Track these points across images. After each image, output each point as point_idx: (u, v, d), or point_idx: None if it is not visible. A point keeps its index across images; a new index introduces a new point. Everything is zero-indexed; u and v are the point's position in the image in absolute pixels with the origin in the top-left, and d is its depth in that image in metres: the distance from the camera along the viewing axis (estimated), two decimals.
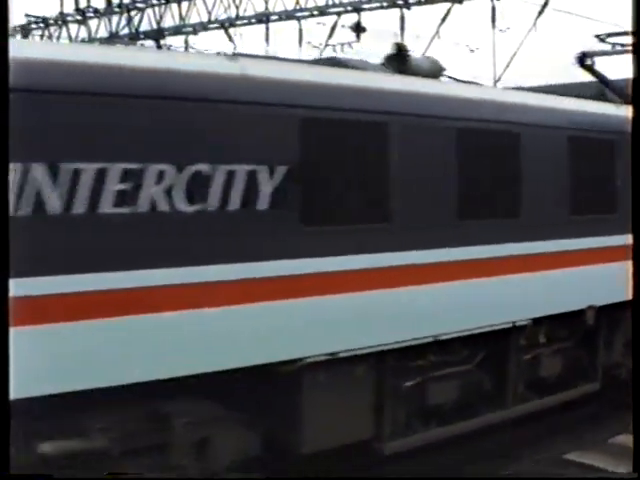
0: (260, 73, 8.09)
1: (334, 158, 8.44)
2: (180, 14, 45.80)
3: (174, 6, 45.85)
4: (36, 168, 6.65)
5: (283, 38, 56.25)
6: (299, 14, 43.27)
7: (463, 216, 9.51)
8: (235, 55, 8.44)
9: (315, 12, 42.33)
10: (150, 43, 46.11)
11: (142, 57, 7.75)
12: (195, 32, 46.08)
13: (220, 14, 44.85)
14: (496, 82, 32.22)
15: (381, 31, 38.29)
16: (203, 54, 8.87)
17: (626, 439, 10.18)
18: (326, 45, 41.16)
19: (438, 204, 9.34)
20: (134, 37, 46.63)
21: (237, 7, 44.11)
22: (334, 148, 8.45)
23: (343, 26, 41.12)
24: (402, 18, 38.79)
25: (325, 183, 8.35)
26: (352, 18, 40.55)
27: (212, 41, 48.85)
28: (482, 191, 9.71)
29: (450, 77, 11.17)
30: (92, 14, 47.57)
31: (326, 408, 8.53)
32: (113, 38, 46.94)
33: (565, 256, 10.56)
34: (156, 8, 46.30)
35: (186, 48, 47.12)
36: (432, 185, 9.27)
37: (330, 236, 8.35)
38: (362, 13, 40.30)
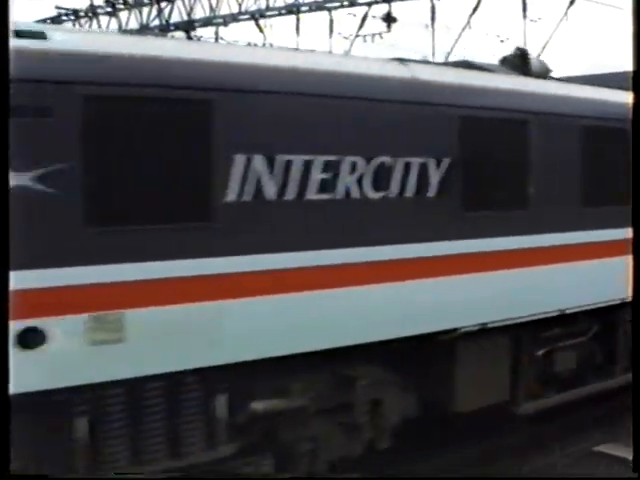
0: (426, 77, 9.17)
1: (486, 152, 9.51)
2: (210, 5, 45.95)
3: None
4: (257, 159, 7.73)
5: (313, 29, 56.79)
6: (329, 5, 43.25)
7: (585, 203, 10.63)
8: (404, 60, 9.50)
9: (345, 3, 42.31)
10: (180, 34, 46.70)
11: (344, 63, 8.85)
12: (225, 23, 46.37)
13: (250, 5, 45.00)
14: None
15: (412, 22, 38.76)
16: (375, 59, 9.87)
17: None
18: (356, 36, 41.15)
19: (567, 192, 10.46)
20: (164, 29, 46.85)
21: None
22: (486, 143, 9.52)
23: (374, 17, 41.09)
24: (433, 8, 38.91)
25: (480, 173, 9.42)
26: (383, 9, 40.58)
27: (242, 32, 49.19)
28: (602, 181, 10.82)
29: (553, 78, 12.22)
30: (122, 6, 47.92)
31: (475, 373, 9.63)
32: (143, 30, 47.54)
33: None
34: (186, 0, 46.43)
35: (216, 39, 47.70)
36: (562, 175, 10.38)
37: (485, 220, 9.44)
38: (392, 3, 40.18)
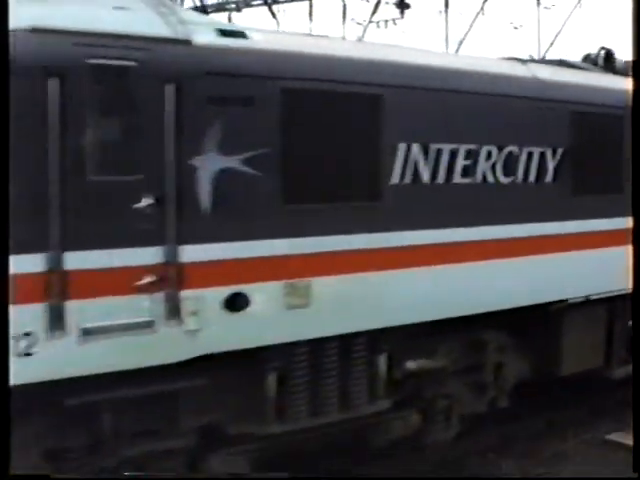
0: (544, 76, 10.26)
1: (591, 143, 10.62)
2: None
3: None
4: (414, 147, 8.78)
5: (326, 15, 57.22)
6: None
7: None
8: (525, 60, 10.65)
9: None
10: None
11: (480, 64, 9.94)
12: (238, 9, 45.71)
13: None
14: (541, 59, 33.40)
15: (426, 8, 38.75)
16: (500, 59, 10.98)
17: None
18: (369, 22, 40.20)
19: None
20: None
21: None
22: (591, 135, 10.63)
23: (387, 2, 40.16)
24: None
25: (585, 162, 10.53)
26: None
27: (255, 18, 49.57)
28: None
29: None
30: None
31: (578, 340, 10.76)
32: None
33: None
34: None
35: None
36: None
37: (588, 204, 10.56)
38: None
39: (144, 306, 7.06)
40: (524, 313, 9.92)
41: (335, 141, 8.26)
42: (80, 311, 6.71)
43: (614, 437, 10.93)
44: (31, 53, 6.51)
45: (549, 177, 10.09)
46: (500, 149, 9.55)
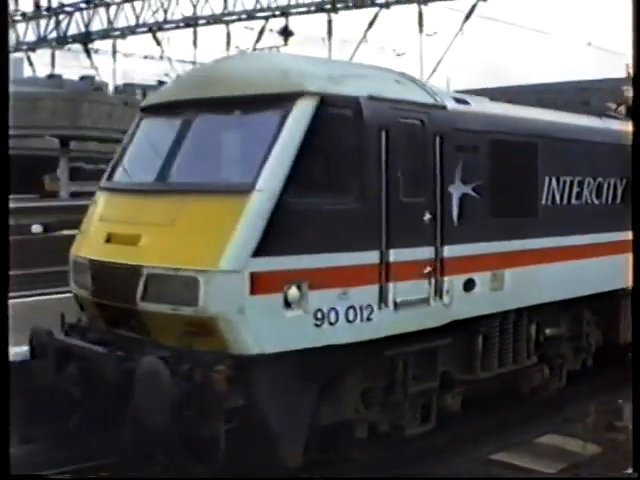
0: (614, 127, 14.67)
1: None
2: (108, 18, 47.27)
3: (102, 10, 47.26)
4: (553, 180, 13.02)
5: (211, 42, 58.73)
6: (227, 18, 44.52)
7: None
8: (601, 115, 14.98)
9: (243, 16, 43.71)
10: (78, 47, 48.43)
11: (584, 120, 14.58)
12: (123, 36, 47.81)
13: (148, 18, 46.12)
14: None
15: (309, 36, 39.55)
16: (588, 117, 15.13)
17: (552, 439, 12.19)
18: (254, 49, 41.98)
19: None
20: (62, 41, 48.93)
21: (165, 11, 45.35)
22: None
23: (271, 30, 42.95)
24: (329, 22, 41.13)
25: None
26: (280, 22, 42.41)
27: (140, 45, 50.86)
28: None
29: None
30: (20, 17, 48.96)
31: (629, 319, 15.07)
32: (41, 42, 49.13)
33: None
34: (84, 12, 47.79)
35: (114, 52, 49.62)
36: None
37: None
38: (290, 17, 42.06)
39: (424, 287, 10.47)
40: (602, 297, 14.16)
41: (514, 175, 12.33)
42: (395, 290, 9.97)
43: (498, 457, 11.49)
44: (371, 113, 9.69)
45: (618, 199, 14.30)
46: (594, 179, 13.72)
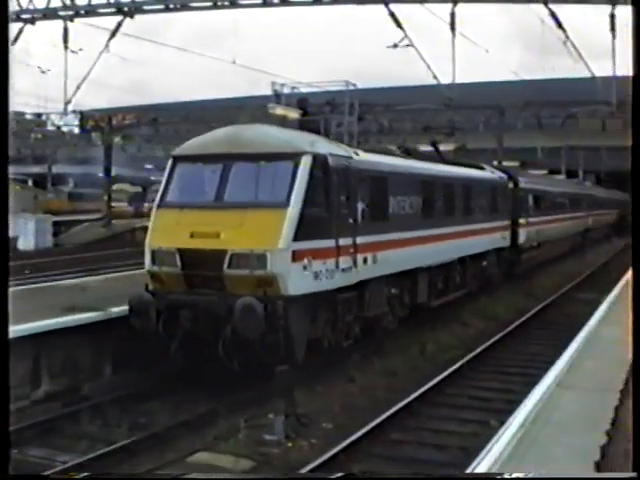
0: (425, 165, 23.08)
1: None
2: None
3: None
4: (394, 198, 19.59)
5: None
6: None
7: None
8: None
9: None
10: None
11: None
12: None
13: None
14: (67, 103, 34.43)
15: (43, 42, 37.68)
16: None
17: (202, 456, 12.13)
18: None
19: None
20: None
21: None
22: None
23: None
24: (66, 30, 34.23)
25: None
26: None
27: None
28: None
29: None
30: None
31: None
32: None
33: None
34: None
35: None
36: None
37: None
38: None
39: (350, 260, 16.92)
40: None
41: (379, 196, 19.08)
42: (341, 261, 16.56)
43: (197, 457, 12.12)
44: (332, 162, 16.45)
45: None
46: (415, 198, 21.26)
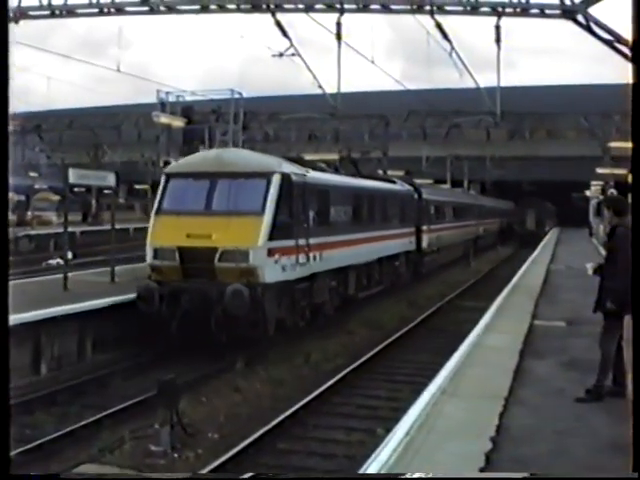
0: (359, 181, 29.29)
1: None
2: None
3: None
4: (334, 207, 24.18)
5: None
6: None
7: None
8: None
9: None
10: None
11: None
12: None
13: None
14: None
15: None
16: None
17: (88, 468, 11.80)
18: None
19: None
20: None
21: None
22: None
23: None
24: None
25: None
26: None
27: None
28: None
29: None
30: None
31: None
32: None
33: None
34: None
35: None
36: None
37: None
38: None
39: (305, 257, 21.13)
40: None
41: (323, 205, 23.40)
42: (299, 257, 20.91)
43: (82, 469, 11.83)
44: (293, 178, 20.74)
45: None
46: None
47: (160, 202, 20.53)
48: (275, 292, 19.48)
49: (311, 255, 21.37)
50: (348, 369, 17.73)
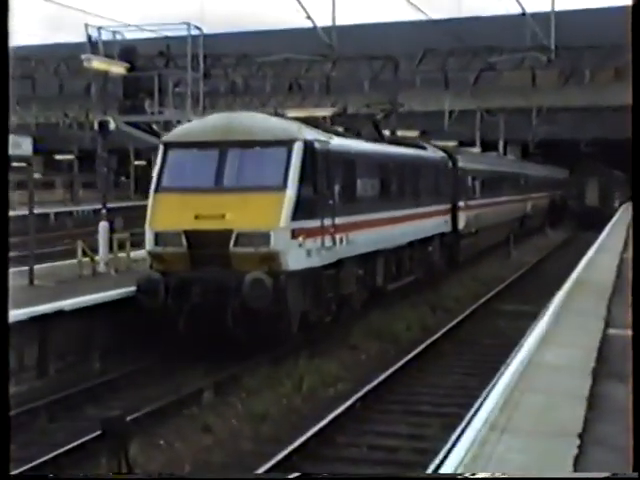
0: (395, 149, 32.13)
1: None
2: None
3: None
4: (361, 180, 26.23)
5: None
6: None
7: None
8: None
9: None
10: None
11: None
12: None
13: None
14: None
15: None
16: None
17: None
18: None
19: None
20: None
21: None
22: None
23: None
24: None
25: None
26: None
27: None
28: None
29: None
30: None
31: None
32: None
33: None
34: None
35: None
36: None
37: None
38: None
39: (330, 239, 22.96)
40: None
41: (350, 177, 25.76)
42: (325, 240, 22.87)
43: None
44: (317, 147, 22.57)
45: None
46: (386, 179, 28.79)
47: (159, 178, 21.89)
48: (300, 281, 21.25)
49: (337, 237, 23.09)
50: (354, 397, 17.56)
